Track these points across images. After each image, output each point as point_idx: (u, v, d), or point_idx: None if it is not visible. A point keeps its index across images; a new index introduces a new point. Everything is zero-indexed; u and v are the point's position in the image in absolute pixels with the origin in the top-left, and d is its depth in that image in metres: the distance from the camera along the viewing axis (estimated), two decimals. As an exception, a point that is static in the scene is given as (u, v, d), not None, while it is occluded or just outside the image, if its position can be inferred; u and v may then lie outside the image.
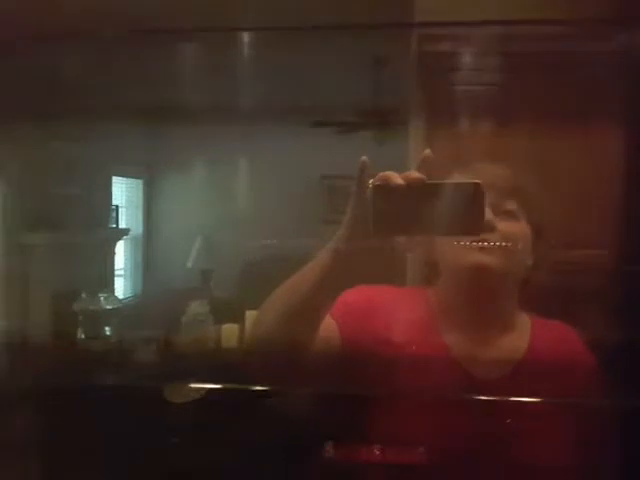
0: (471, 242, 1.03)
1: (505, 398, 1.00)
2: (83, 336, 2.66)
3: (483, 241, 1.02)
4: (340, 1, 2.17)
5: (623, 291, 1.61)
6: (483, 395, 1.03)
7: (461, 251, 1.03)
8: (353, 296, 1.03)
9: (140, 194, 4.60)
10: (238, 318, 2.77)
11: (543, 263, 1.10)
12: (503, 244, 1.03)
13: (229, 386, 1.28)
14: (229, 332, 2.77)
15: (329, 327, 1.01)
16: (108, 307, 2.81)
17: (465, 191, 0.78)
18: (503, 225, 1.03)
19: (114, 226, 4.16)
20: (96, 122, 3.20)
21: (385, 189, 0.79)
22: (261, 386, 1.16)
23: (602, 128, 1.78)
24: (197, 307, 2.75)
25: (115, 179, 4.30)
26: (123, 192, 4.48)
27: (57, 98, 2.86)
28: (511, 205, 1.05)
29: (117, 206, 4.24)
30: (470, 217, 0.78)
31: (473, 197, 0.78)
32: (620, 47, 1.64)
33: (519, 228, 1.06)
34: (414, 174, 0.80)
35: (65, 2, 2.18)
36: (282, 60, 2.58)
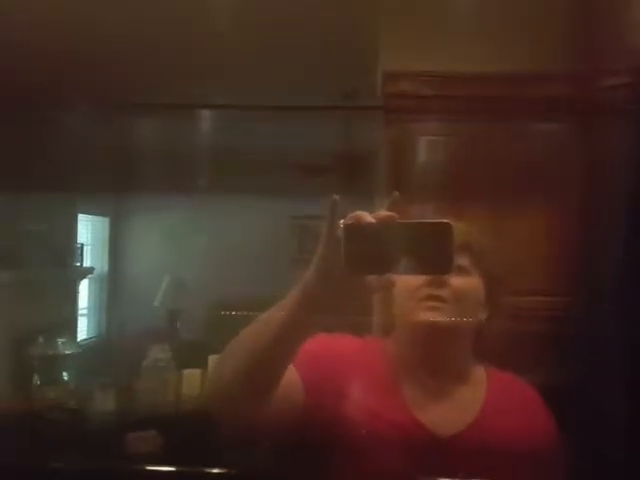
0: (423, 298, 1.03)
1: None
2: (39, 382, 2.58)
3: (435, 298, 1.02)
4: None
5: (575, 337, 1.62)
6: (441, 452, 1.01)
7: (414, 306, 1.04)
8: (314, 345, 1.00)
9: (106, 232, 4.54)
10: (201, 363, 2.71)
11: (497, 315, 1.10)
12: (455, 299, 1.03)
13: (182, 469, 1.24)
14: (191, 378, 2.71)
15: (292, 376, 0.98)
16: (66, 352, 2.74)
17: (435, 230, 0.79)
18: (454, 281, 1.03)
19: (78, 264, 4.09)
20: (63, 161, 3.16)
21: (356, 228, 0.79)
22: (219, 468, 1.13)
23: (555, 179, 1.82)
24: (158, 352, 2.68)
25: (81, 216, 4.25)
26: (89, 229, 4.42)
27: (23, 138, 2.83)
28: (462, 260, 1.05)
29: (82, 244, 4.17)
30: (439, 256, 0.79)
31: (442, 236, 0.78)
32: (576, 98, 1.69)
33: (470, 283, 1.06)
34: (385, 213, 0.80)
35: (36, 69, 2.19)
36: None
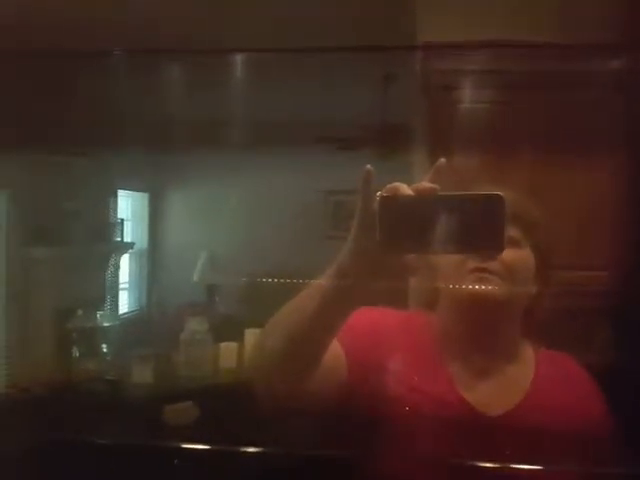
0: (471, 271, 0.98)
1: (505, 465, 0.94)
2: (78, 354, 2.64)
3: (484, 270, 0.97)
4: (343, 21, 2.16)
5: (624, 313, 1.56)
6: (486, 431, 0.98)
7: (461, 279, 0.99)
8: (357, 320, 0.95)
9: (146, 207, 4.59)
10: (238, 337, 2.73)
11: (547, 290, 1.05)
12: (504, 273, 0.98)
13: (218, 448, 1.23)
14: (228, 351, 2.74)
15: (335, 351, 0.96)
16: (105, 324, 2.78)
17: (484, 204, 0.71)
18: (504, 253, 0.95)
19: (119, 239, 4.15)
20: (102, 137, 3.19)
21: (393, 201, 0.72)
22: (254, 446, 1.12)
23: (605, 149, 1.74)
24: (196, 324, 2.71)
25: (121, 192, 4.30)
26: (129, 205, 4.47)
27: (64, 114, 2.87)
28: (513, 232, 0.99)
29: (122, 219, 4.23)
30: (489, 234, 0.71)
31: (493, 211, 0.70)
32: (621, 69, 1.61)
33: (522, 256, 1.01)
34: (426, 184, 0.74)
35: (68, 23, 2.19)
36: (287, 77, 2.56)
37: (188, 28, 2.25)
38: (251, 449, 1.11)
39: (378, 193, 0.74)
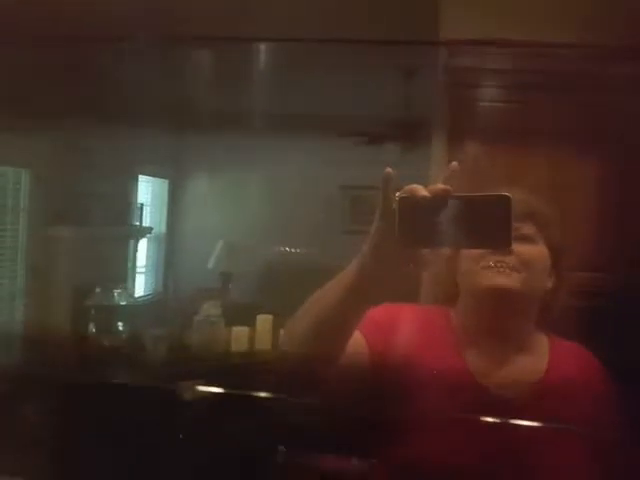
0: (489, 265, 1.02)
1: (520, 422, 0.98)
2: (94, 330, 2.70)
3: (501, 264, 1.02)
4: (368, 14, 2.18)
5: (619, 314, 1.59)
6: (502, 415, 1.02)
7: (479, 273, 1.04)
8: (379, 313, 1.04)
9: (165, 193, 4.65)
10: (249, 322, 2.79)
11: (563, 286, 1.10)
12: (520, 267, 1.02)
13: (232, 391, 1.28)
14: (239, 335, 2.79)
15: (358, 342, 1.02)
16: (121, 303, 2.85)
17: (493, 204, 0.77)
18: (520, 249, 1.01)
19: (138, 224, 4.21)
20: (125, 122, 3.25)
21: (411, 201, 0.78)
22: (266, 392, 1.16)
23: (620, 150, 1.76)
24: (210, 308, 2.77)
25: (142, 177, 4.36)
26: (149, 190, 4.53)
27: (88, 97, 2.92)
28: (528, 229, 1.05)
29: (142, 204, 4.29)
30: (498, 231, 0.77)
31: (501, 210, 0.76)
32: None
33: (536, 251, 1.06)
34: (440, 186, 0.79)
35: (99, 8, 2.24)
36: (309, 70, 2.59)
37: (212, 15, 2.28)
38: (262, 394, 1.15)
39: (397, 194, 0.80)
